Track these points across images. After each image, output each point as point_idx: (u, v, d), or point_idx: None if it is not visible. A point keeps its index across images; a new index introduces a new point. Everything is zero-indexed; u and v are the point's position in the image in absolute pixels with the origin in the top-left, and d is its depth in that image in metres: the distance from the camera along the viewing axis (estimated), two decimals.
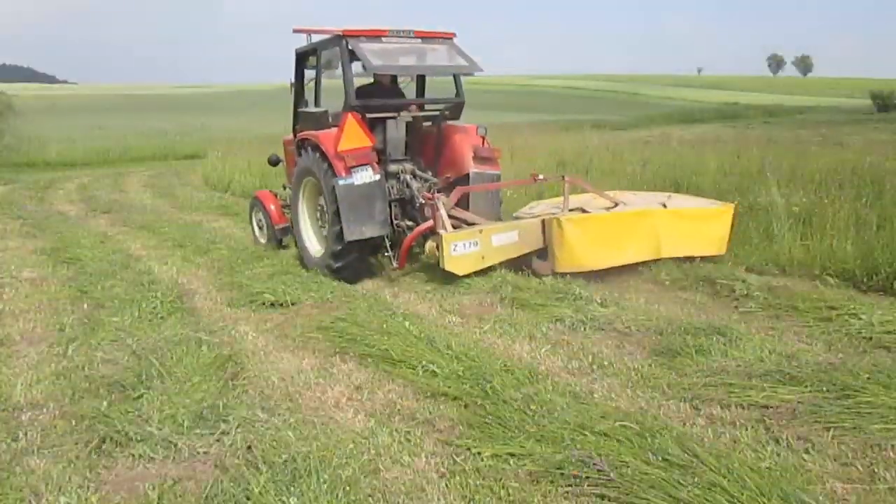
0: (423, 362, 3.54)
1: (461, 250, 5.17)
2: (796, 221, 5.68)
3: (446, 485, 2.57)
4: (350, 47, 5.57)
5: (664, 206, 5.82)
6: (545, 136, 16.90)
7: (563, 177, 6.25)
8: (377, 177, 5.43)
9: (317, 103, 6.31)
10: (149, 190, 13.46)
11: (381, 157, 5.89)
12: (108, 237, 8.04)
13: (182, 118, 33.05)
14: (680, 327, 3.99)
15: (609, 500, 2.38)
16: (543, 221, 5.41)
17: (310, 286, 5.13)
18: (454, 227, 5.33)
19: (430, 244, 5.43)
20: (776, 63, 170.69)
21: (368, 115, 5.75)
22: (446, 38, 6.10)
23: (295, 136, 6.48)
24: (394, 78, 6.32)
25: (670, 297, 4.86)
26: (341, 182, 5.30)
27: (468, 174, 5.84)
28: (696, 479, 2.36)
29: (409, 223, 5.85)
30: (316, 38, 6.15)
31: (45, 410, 3.25)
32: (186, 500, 2.50)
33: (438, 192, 5.72)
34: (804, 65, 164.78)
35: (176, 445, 2.84)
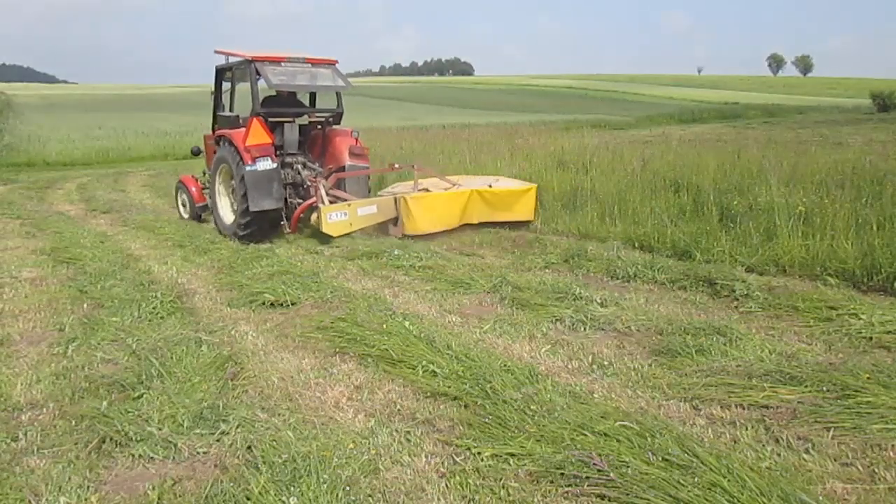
0: (423, 362, 3.54)
1: (335, 218, 7.06)
2: (797, 221, 5.68)
3: (446, 485, 2.57)
4: (256, 69, 7.48)
5: (490, 186, 7.79)
6: (545, 136, 16.89)
7: (413, 166, 8.37)
8: (274, 165, 7.29)
9: (231, 109, 8.40)
10: (149, 190, 13.47)
11: (280, 151, 7.90)
12: (107, 237, 8.04)
13: (182, 118, 33.02)
14: (680, 327, 3.99)
15: (609, 500, 2.38)
16: (395, 198, 7.36)
17: (310, 286, 5.13)
18: (331, 202, 7.26)
19: (314, 215, 7.22)
20: (776, 63, 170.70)
21: (270, 119, 7.69)
22: (330, 63, 8.17)
23: (213, 133, 8.47)
24: (293, 93, 8.27)
25: (670, 297, 4.86)
26: (248, 168, 7.14)
27: (344, 166, 7.87)
28: (696, 479, 2.36)
29: (300, 200, 7.76)
30: (232, 59, 8.03)
31: (45, 410, 3.25)
32: (186, 500, 2.50)
33: (317, 178, 7.70)
34: (804, 65, 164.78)
35: (176, 445, 2.84)
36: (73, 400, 3.34)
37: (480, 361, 3.51)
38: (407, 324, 4.14)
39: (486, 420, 2.94)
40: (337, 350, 3.97)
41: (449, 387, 3.30)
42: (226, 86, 8.46)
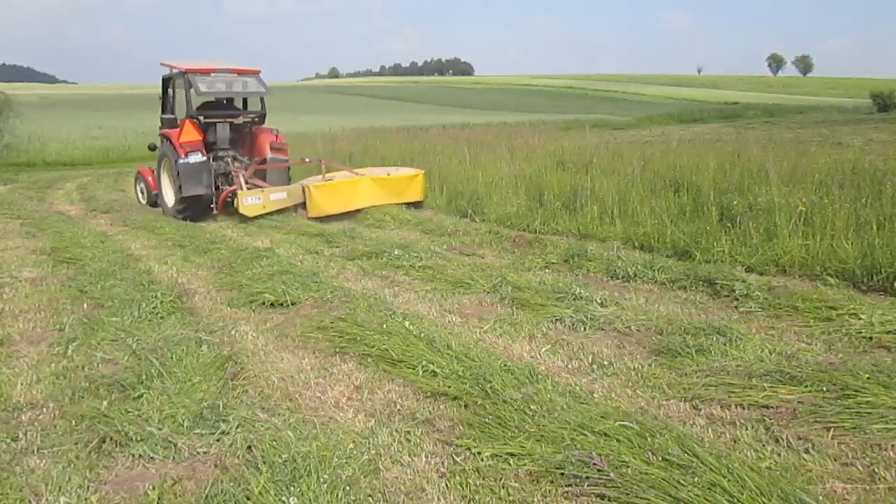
0: (423, 362, 3.54)
1: (250, 202, 8.63)
2: (797, 221, 5.68)
3: (446, 485, 2.57)
4: (188, 79, 9.14)
5: (388, 174, 9.40)
6: (545, 136, 16.89)
7: (321, 160, 9.82)
8: (204, 158, 8.98)
9: (172, 112, 10.04)
10: None
11: (214, 147, 9.48)
12: (107, 237, 8.04)
13: None
14: (680, 327, 3.98)
15: (609, 500, 2.38)
16: (302, 186, 8.78)
17: (310, 286, 5.13)
18: (249, 189, 8.90)
19: (236, 200, 8.74)
20: (776, 63, 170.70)
21: (205, 120, 9.34)
22: (254, 72, 9.87)
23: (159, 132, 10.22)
24: (229, 98, 9.90)
25: (670, 297, 4.86)
26: (181, 161, 8.85)
27: (265, 158, 9.60)
28: (696, 479, 2.36)
29: (228, 187, 9.27)
30: (173, 69, 9.69)
31: (45, 410, 3.25)
32: (186, 500, 2.50)
33: (245, 169, 9.40)
34: (804, 65, 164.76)
35: (176, 445, 2.83)
36: (73, 400, 3.34)
37: (480, 361, 3.51)
38: (407, 324, 4.13)
39: (486, 420, 2.93)
40: (337, 350, 3.97)
41: (449, 387, 3.30)
42: (169, 92, 10.18)
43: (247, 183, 9.02)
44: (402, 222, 8.33)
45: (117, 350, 3.95)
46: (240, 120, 9.93)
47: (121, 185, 14.58)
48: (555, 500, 2.43)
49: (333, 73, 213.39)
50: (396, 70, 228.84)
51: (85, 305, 4.97)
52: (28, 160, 19.84)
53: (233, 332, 4.36)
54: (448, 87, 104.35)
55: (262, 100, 10.12)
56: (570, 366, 3.65)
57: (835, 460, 2.59)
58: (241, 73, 9.71)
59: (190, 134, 9.05)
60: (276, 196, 8.82)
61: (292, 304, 4.85)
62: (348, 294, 4.98)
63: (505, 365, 3.48)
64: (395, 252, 6.23)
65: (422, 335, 3.92)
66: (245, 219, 8.70)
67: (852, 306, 4.14)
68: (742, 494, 2.26)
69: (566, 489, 2.45)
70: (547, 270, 5.77)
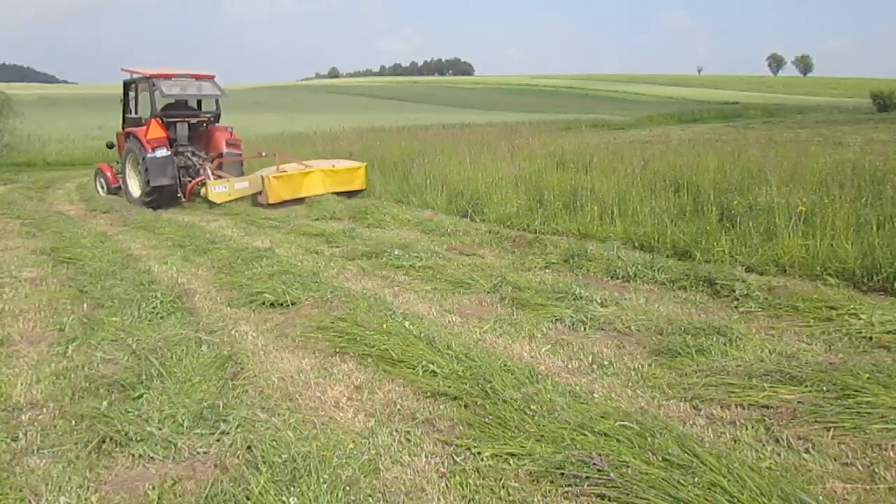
0: (423, 362, 3.54)
1: (218, 189, 10.06)
2: (797, 221, 5.68)
3: (446, 485, 2.57)
4: (152, 82, 10.46)
5: (334, 166, 10.87)
6: (545, 136, 16.89)
7: (275, 154, 11.60)
8: (168, 153, 10.26)
9: (136, 112, 11.39)
10: None
11: (175, 143, 10.78)
12: (107, 237, 8.04)
13: None
14: (680, 327, 3.98)
15: (609, 500, 2.38)
16: (261, 177, 10.09)
17: (310, 286, 5.13)
18: (216, 179, 10.34)
19: (203, 188, 10.19)
20: (776, 63, 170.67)
21: (166, 119, 10.63)
22: (210, 77, 11.26)
23: (123, 131, 11.57)
24: (185, 100, 11.29)
25: (670, 297, 4.86)
26: (148, 155, 10.07)
27: (222, 153, 10.99)
28: (696, 479, 2.36)
29: (190, 178, 10.77)
30: (136, 75, 11.03)
31: (45, 410, 3.25)
32: (186, 500, 2.50)
33: (208, 162, 10.93)
34: (804, 65, 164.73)
35: (176, 445, 2.83)
36: (73, 400, 3.34)
37: (480, 361, 3.51)
38: (407, 324, 4.13)
39: (486, 420, 2.94)
40: (337, 350, 3.97)
41: (449, 387, 3.30)
42: (131, 95, 11.51)
43: (213, 174, 10.61)
44: (402, 222, 8.32)
45: (117, 350, 3.95)
46: (196, 119, 11.38)
47: None
48: (555, 500, 2.43)
49: (333, 73, 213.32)
50: (396, 70, 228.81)
51: (85, 305, 4.97)
52: (28, 160, 19.84)
53: (233, 332, 4.36)
54: (448, 87, 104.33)
55: (216, 101, 11.58)
56: (570, 366, 3.65)
57: (835, 460, 2.59)
58: (198, 77, 11.09)
59: (156, 131, 10.25)
60: (240, 185, 10.25)
61: (292, 304, 4.85)
62: (348, 294, 4.98)
63: (505, 365, 3.48)
64: (395, 252, 6.23)
65: (422, 335, 3.92)
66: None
67: (852, 306, 4.14)
68: (742, 494, 2.26)
69: (566, 489, 2.45)
70: (547, 270, 5.77)
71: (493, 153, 11.75)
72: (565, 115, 39.62)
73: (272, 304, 4.90)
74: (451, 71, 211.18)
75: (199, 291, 5.44)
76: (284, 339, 4.25)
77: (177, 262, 6.52)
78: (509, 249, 6.63)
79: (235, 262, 6.15)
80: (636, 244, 6.38)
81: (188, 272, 6.12)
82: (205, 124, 11.45)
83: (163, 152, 10.13)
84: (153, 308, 4.71)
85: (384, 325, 4.11)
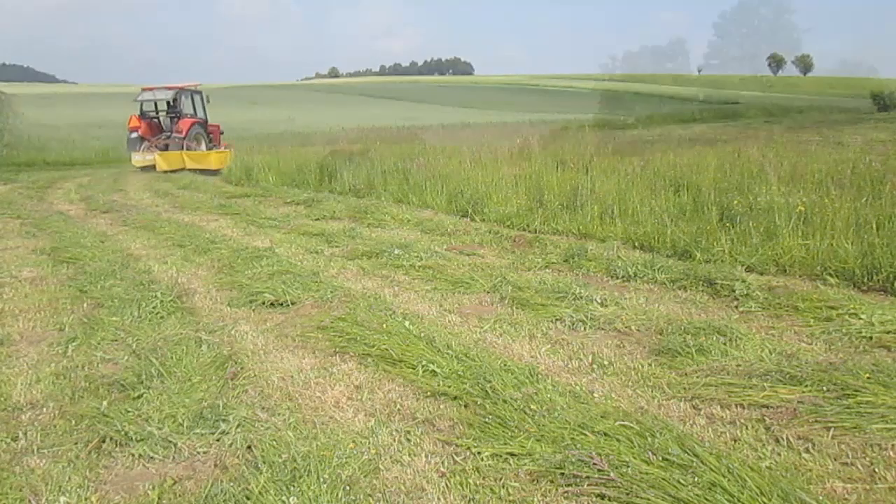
0: (423, 362, 3.54)
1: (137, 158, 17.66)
2: (797, 221, 5.68)
3: (446, 485, 2.57)
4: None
5: (190, 148, 17.37)
6: (545, 135, 16.88)
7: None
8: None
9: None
10: (148, 190, 13.46)
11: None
12: (107, 237, 8.04)
13: None
14: (680, 327, 3.98)
15: (609, 500, 2.38)
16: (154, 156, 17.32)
17: (310, 286, 5.13)
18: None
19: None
20: (776, 63, 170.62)
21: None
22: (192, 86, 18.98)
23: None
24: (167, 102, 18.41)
25: (670, 297, 4.86)
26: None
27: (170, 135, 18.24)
28: (696, 479, 2.36)
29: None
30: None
31: (44, 410, 3.25)
32: (186, 500, 2.50)
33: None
34: (804, 64, 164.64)
35: (176, 445, 2.84)
36: (73, 400, 3.34)
37: (480, 361, 3.51)
38: (407, 323, 4.13)
39: (486, 420, 2.94)
40: (337, 350, 3.97)
41: (449, 386, 3.30)
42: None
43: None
44: (402, 222, 8.32)
45: (117, 350, 3.95)
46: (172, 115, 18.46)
47: (120, 184, 14.58)
48: (555, 500, 2.43)
49: (333, 73, 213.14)
50: (396, 70, 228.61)
51: (85, 305, 4.97)
52: (28, 160, 19.85)
53: (233, 331, 4.36)
54: (448, 86, 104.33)
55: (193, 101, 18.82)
56: (570, 365, 3.65)
57: (835, 460, 2.59)
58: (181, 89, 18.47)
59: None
60: (149, 157, 17.23)
61: (292, 303, 4.85)
62: (348, 294, 4.98)
63: (505, 365, 3.49)
64: (395, 252, 6.23)
65: (422, 335, 3.92)
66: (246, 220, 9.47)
67: (852, 306, 4.14)
68: (742, 494, 2.26)
69: (566, 489, 2.45)
70: (547, 270, 5.76)
71: (493, 153, 11.74)
72: (565, 114, 39.61)
73: (272, 303, 4.89)
74: (451, 71, 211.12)
75: (199, 291, 5.44)
76: (284, 339, 4.24)
77: (177, 261, 6.52)
78: (509, 249, 6.62)
79: (235, 262, 6.15)
80: (636, 244, 6.38)
81: (188, 272, 6.11)
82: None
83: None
84: (153, 308, 4.71)
85: (384, 325, 4.11)
